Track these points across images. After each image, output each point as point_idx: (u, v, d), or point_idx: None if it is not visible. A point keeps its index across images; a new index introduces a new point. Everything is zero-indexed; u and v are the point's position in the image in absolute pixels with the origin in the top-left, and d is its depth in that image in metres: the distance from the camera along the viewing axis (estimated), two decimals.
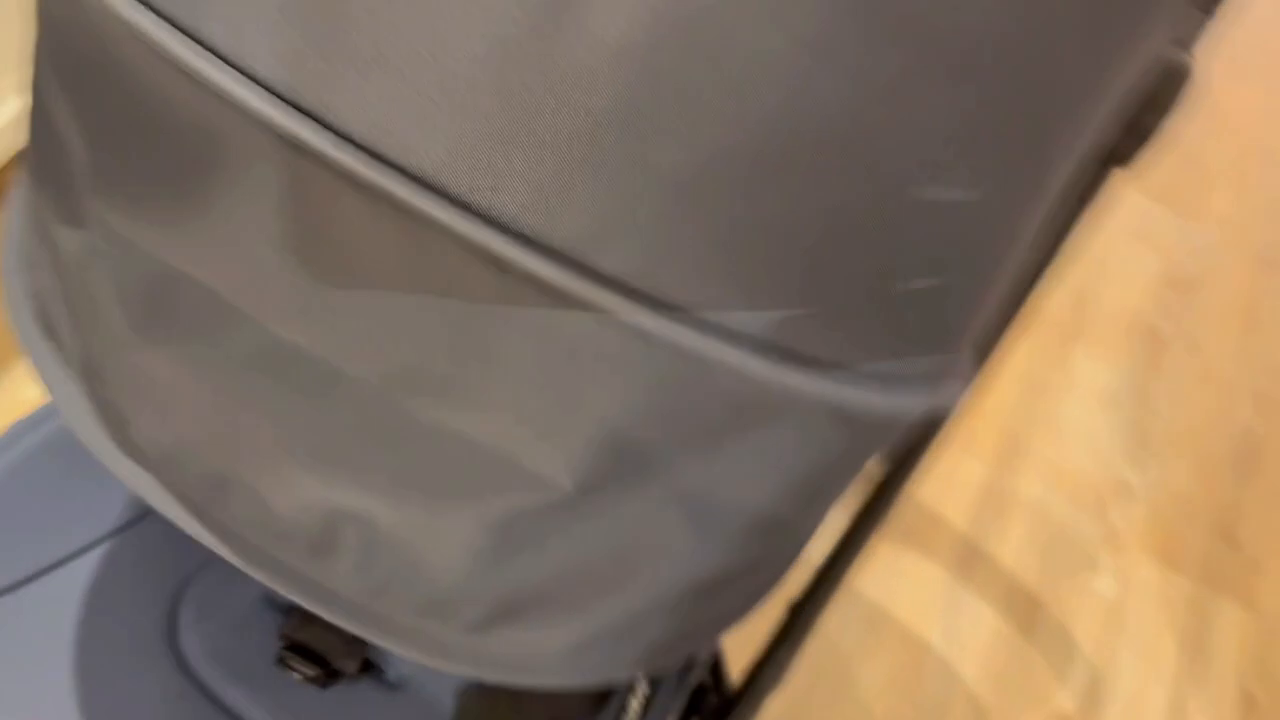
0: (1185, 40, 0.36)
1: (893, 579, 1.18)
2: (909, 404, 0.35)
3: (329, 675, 0.62)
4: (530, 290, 0.31)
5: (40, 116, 0.40)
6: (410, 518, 0.39)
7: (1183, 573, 1.26)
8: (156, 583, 0.64)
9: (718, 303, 0.31)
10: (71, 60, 0.36)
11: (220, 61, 0.30)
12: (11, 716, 0.58)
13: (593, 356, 0.32)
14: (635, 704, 0.60)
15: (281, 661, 0.62)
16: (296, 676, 0.62)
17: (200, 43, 0.31)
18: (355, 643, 0.64)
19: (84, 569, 0.62)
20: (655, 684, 0.61)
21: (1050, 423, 1.35)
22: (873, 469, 0.55)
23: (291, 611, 0.65)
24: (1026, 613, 1.20)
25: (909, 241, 0.31)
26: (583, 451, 0.35)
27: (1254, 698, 1.18)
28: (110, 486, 0.64)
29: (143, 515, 0.65)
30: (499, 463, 0.36)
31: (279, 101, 0.30)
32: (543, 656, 0.42)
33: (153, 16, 0.31)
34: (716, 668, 0.69)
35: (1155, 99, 0.36)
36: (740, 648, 0.67)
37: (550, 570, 0.39)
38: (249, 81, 0.30)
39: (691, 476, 0.36)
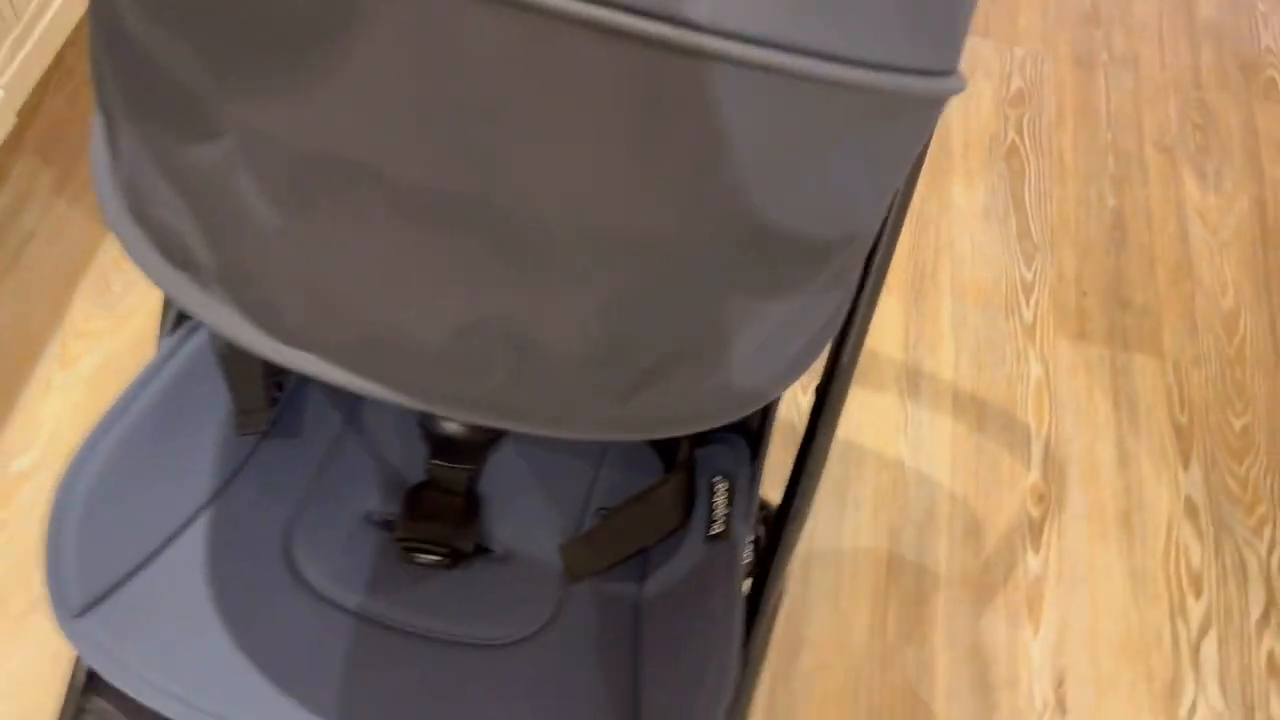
0: None
1: (855, 416, 1.29)
2: (950, 86, 0.44)
3: (453, 557, 0.69)
4: (640, 49, 0.38)
5: (133, 64, 0.45)
6: (552, 315, 0.46)
7: (1094, 342, 1.40)
8: (264, 531, 0.69)
9: (801, 28, 0.39)
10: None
11: None
12: (176, 673, 0.62)
13: (695, 101, 0.40)
14: (721, 500, 0.68)
15: (408, 557, 0.68)
16: (425, 562, 0.68)
17: None
18: (464, 524, 0.71)
19: (197, 537, 0.67)
20: (731, 486, 0.69)
21: (947, 249, 1.47)
22: None
23: (392, 523, 0.71)
24: (975, 412, 1.33)
25: None
26: (694, 199, 0.42)
27: (1181, 425, 1.34)
28: (194, 461, 0.69)
29: (231, 479, 0.70)
30: (621, 234, 0.43)
31: None
32: (687, 406, 0.50)
33: None
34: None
35: None
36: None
37: (676, 326, 0.47)
38: None
39: (790, 199, 0.44)
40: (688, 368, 0.48)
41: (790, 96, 0.41)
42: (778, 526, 0.71)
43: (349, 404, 0.77)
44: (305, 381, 0.76)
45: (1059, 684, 1.13)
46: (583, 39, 0.38)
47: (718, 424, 0.51)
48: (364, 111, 0.41)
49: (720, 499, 0.68)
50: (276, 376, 0.72)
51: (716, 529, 0.67)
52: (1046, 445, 1.31)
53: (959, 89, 0.45)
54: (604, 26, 0.38)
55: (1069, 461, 1.30)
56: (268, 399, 0.70)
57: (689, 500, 0.70)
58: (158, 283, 0.50)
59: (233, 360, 0.68)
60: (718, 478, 0.69)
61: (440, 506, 0.70)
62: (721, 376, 0.49)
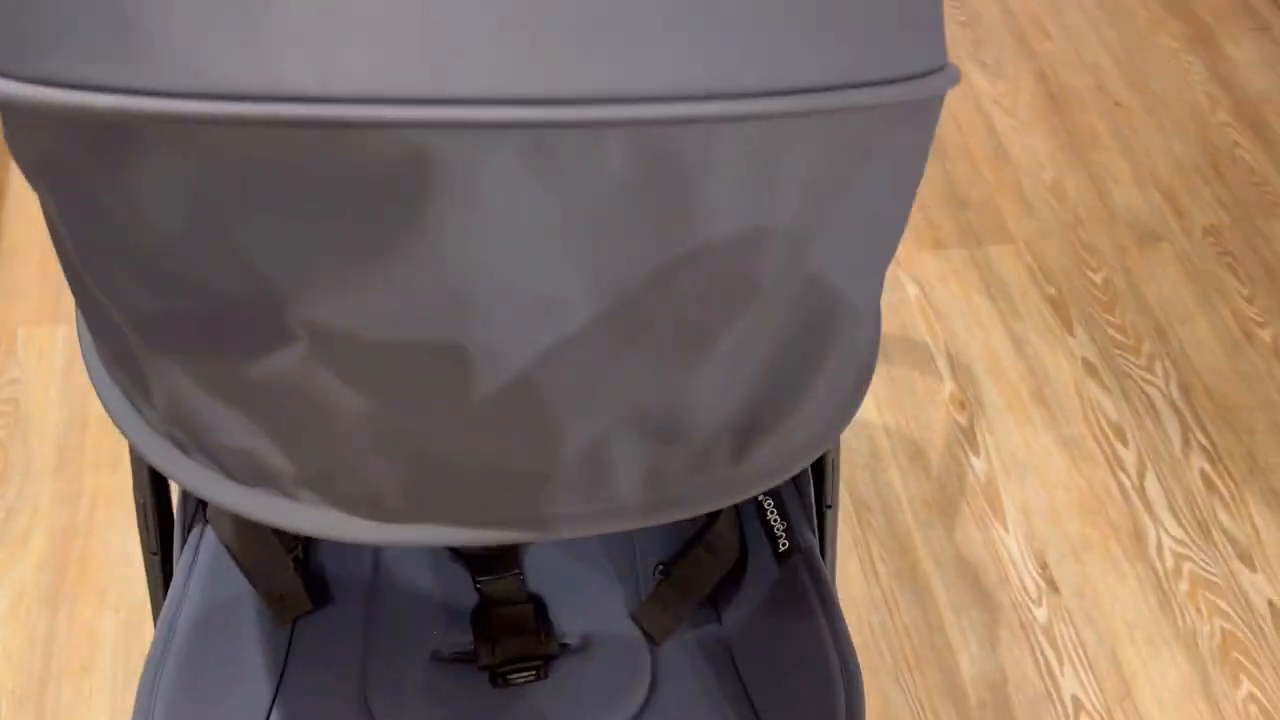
0: None
1: None
2: (948, 79, 0.46)
3: (546, 664, 0.67)
4: (723, 130, 0.39)
5: (165, 296, 0.42)
6: (665, 402, 0.46)
7: (951, 247, 1.48)
8: (340, 708, 0.66)
9: (824, 67, 0.40)
10: (238, 199, 0.38)
11: (422, 100, 0.36)
12: None
13: (775, 160, 0.40)
14: (774, 517, 0.69)
15: (497, 681, 0.66)
16: (520, 681, 0.66)
17: (387, 97, 0.36)
18: (541, 629, 0.69)
19: None
20: (779, 500, 0.70)
21: None
22: None
23: (466, 653, 0.69)
24: None
25: None
26: (778, 243, 0.43)
27: (1053, 297, 1.43)
28: (246, 666, 0.65)
29: (284, 670, 0.66)
30: (725, 295, 0.44)
31: (495, 104, 0.36)
32: (797, 444, 0.50)
33: (326, 105, 0.36)
34: None
35: None
36: None
37: (772, 366, 0.47)
38: (445, 103, 0.36)
39: (843, 224, 0.45)
40: (793, 405, 0.49)
41: (833, 131, 0.42)
42: (819, 521, 0.73)
43: (366, 551, 0.73)
44: (312, 543, 0.73)
45: (1043, 566, 1.20)
46: (677, 136, 0.38)
47: (822, 451, 0.52)
48: (448, 275, 0.40)
49: (773, 516, 0.69)
50: (293, 552, 0.69)
51: (783, 545, 0.67)
52: (948, 355, 1.37)
53: (955, 79, 0.47)
54: (711, 119, 0.38)
55: (973, 363, 1.37)
56: (298, 579, 0.67)
57: (741, 528, 0.71)
58: (234, 508, 0.47)
59: (254, 556, 0.64)
60: (762, 496, 0.70)
61: (511, 620, 0.69)
62: (823, 403, 0.50)
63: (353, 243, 0.39)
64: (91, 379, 0.49)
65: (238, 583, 0.65)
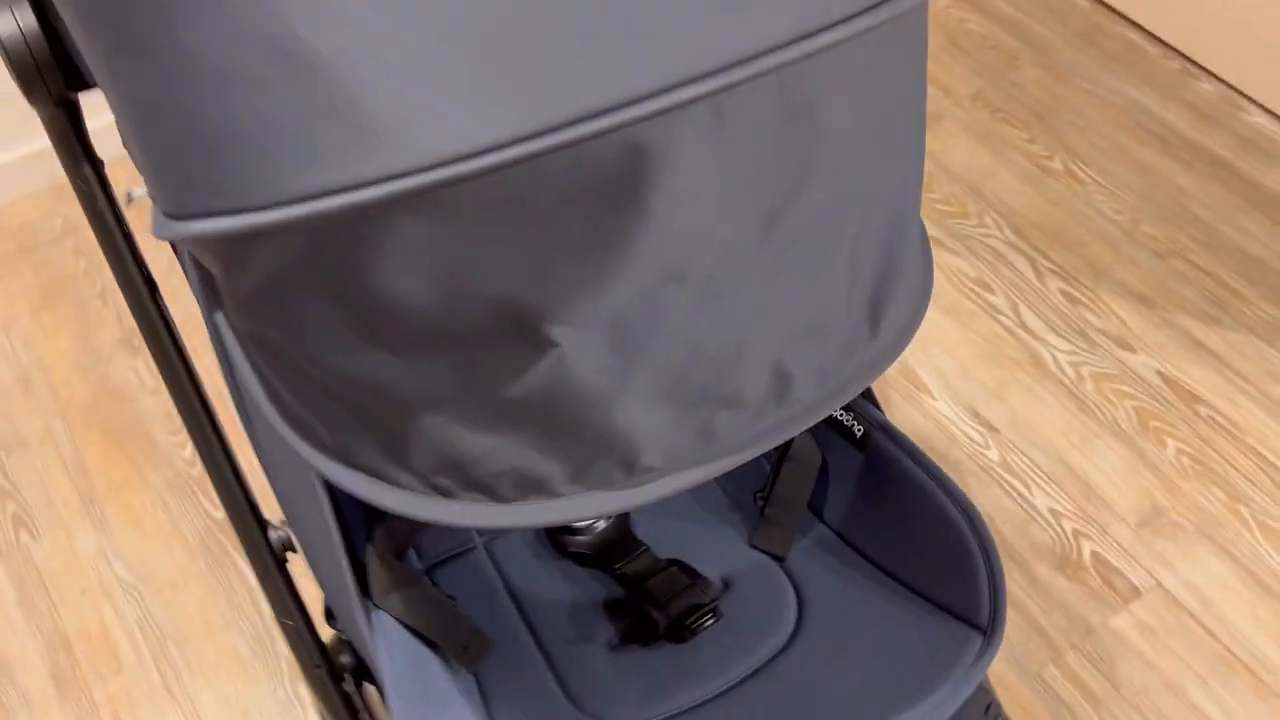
0: None
1: None
2: None
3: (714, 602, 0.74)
4: (840, 53, 0.47)
5: (440, 353, 0.46)
6: (817, 303, 0.54)
7: None
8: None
9: None
10: (480, 244, 0.43)
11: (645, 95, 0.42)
12: None
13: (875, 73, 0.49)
14: (840, 414, 0.77)
15: (689, 633, 0.72)
16: (708, 626, 0.72)
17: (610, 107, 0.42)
18: (696, 581, 0.75)
19: None
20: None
21: None
22: None
23: (642, 627, 0.74)
24: None
25: None
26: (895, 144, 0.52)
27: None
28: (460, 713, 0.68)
29: (489, 708, 0.70)
30: (844, 197, 0.52)
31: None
32: (907, 314, 0.59)
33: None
34: None
35: None
36: None
37: (883, 244, 0.56)
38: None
39: (904, 119, 0.54)
40: (902, 272, 0.58)
41: (896, 35, 0.51)
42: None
43: (500, 586, 0.77)
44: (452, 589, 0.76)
45: (975, 415, 1.34)
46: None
47: (925, 311, 0.60)
48: (660, 247, 0.46)
49: (839, 412, 0.77)
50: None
51: (859, 431, 0.76)
52: None
53: None
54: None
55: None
56: (472, 624, 0.70)
57: (814, 435, 0.79)
58: (508, 525, 0.51)
59: (429, 619, 0.67)
60: None
61: (668, 584, 0.74)
62: (916, 267, 0.59)
63: (587, 243, 0.45)
64: (338, 484, 0.51)
65: (422, 649, 0.67)
